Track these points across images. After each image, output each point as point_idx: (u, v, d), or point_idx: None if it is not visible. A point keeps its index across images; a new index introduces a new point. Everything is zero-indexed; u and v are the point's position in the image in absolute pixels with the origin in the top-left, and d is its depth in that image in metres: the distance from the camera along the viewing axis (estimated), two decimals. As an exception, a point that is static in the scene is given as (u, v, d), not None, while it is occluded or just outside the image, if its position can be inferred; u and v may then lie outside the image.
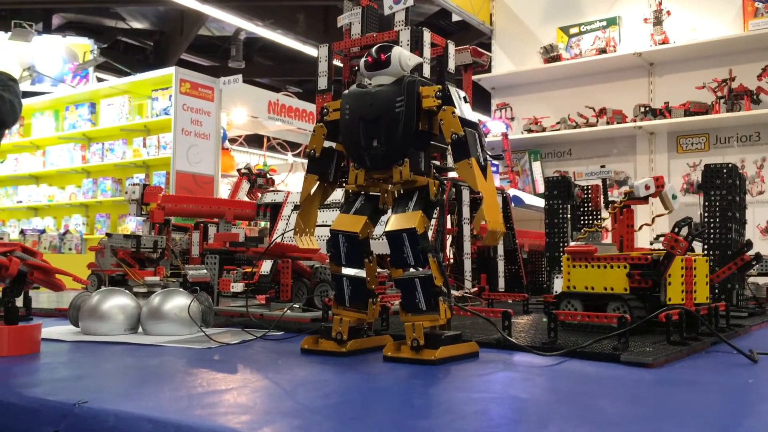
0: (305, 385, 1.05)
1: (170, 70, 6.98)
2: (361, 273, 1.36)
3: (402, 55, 1.33)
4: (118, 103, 7.45)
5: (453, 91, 1.31)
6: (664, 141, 5.45)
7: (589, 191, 2.53)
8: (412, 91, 1.30)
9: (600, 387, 1.06)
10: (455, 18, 6.19)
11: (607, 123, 5.42)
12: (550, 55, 5.62)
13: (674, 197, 1.67)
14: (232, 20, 10.15)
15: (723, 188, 2.24)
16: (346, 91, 1.39)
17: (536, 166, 5.74)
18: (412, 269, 1.28)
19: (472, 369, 1.19)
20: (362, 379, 1.10)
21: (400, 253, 1.28)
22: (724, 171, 2.26)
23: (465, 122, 1.29)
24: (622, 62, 5.41)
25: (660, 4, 5.25)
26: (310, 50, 10.81)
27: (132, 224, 7.43)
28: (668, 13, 5.21)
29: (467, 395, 0.98)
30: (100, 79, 8.51)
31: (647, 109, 5.30)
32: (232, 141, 8.65)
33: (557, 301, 1.77)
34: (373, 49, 1.35)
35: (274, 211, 3.15)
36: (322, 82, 2.97)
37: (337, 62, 3.01)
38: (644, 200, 1.95)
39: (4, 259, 1.22)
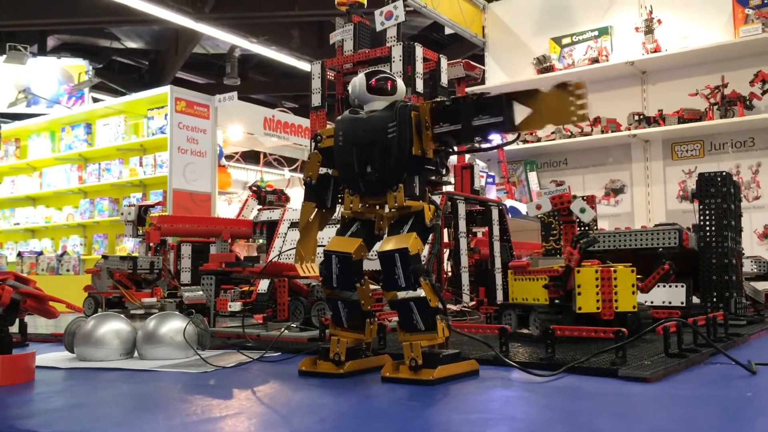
0: (301, 409, 1.04)
1: (165, 89, 7.00)
2: (354, 296, 1.35)
3: (401, 89, 1.35)
4: (114, 123, 7.45)
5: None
6: (659, 148, 5.46)
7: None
8: (404, 115, 1.30)
9: (598, 404, 1.05)
10: (448, 31, 6.22)
11: (602, 132, 5.44)
12: (543, 65, 5.64)
13: (582, 210, 1.69)
14: (227, 38, 10.19)
15: (718, 196, 2.25)
16: (339, 117, 1.39)
17: (532, 176, 5.75)
18: (403, 293, 1.27)
19: (469, 388, 1.19)
20: (359, 402, 1.09)
21: (392, 274, 1.27)
22: (718, 179, 2.27)
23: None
24: (615, 71, 5.43)
25: (651, 12, 5.28)
26: (305, 66, 10.84)
27: (130, 244, 7.42)
28: (659, 21, 5.24)
29: (464, 416, 0.97)
30: (95, 100, 8.52)
31: (641, 117, 5.32)
32: (229, 158, 8.66)
33: (498, 311, 1.90)
34: (377, 77, 1.35)
35: (270, 228, 3.15)
36: (316, 99, 2.98)
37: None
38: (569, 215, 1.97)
39: (-3, 289, 1.21)
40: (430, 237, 1.33)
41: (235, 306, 2.26)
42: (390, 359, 1.39)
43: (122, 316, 1.65)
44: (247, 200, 4.07)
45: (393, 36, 2.86)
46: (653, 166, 5.47)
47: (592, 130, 5.48)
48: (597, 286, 1.58)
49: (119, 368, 1.43)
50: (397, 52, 2.76)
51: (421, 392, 1.14)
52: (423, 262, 1.27)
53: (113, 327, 1.59)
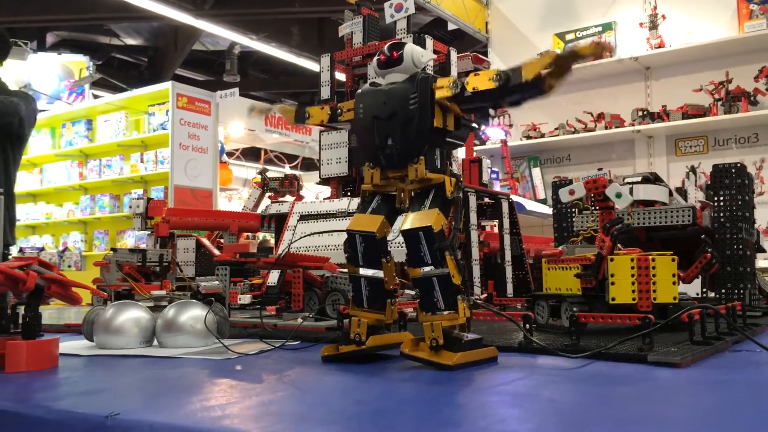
0: (334, 392, 1.03)
1: (167, 85, 6.98)
2: (379, 273, 1.34)
3: (414, 52, 1.32)
4: (115, 119, 7.44)
5: None
6: (662, 144, 5.46)
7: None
8: (425, 87, 1.29)
9: (632, 388, 1.04)
10: (451, 27, 6.22)
11: (606, 128, 5.44)
12: (547, 61, 5.62)
13: (618, 195, 1.64)
14: (227, 34, 10.16)
15: (732, 188, 2.24)
16: (360, 90, 1.38)
17: (536, 172, 5.75)
18: (428, 268, 1.27)
19: (496, 372, 1.18)
20: (391, 385, 1.08)
21: (417, 252, 1.26)
22: (733, 171, 2.26)
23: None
24: (619, 67, 5.43)
25: (655, 8, 5.28)
26: (305, 63, 10.83)
27: (131, 240, 7.41)
28: (663, 17, 5.24)
29: (500, 399, 0.97)
30: (95, 96, 8.50)
31: (645, 112, 5.32)
32: (230, 155, 8.64)
33: (530, 302, 1.85)
34: (386, 47, 1.35)
35: (279, 221, 3.14)
36: (325, 92, 2.97)
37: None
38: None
39: (22, 273, 1.20)
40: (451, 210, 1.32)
41: (245, 298, 2.25)
42: (411, 336, 1.37)
43: (141, 304, 1.64)
44: (262, 194, 4.02)
45: (403, 28, 2.85)
46: (657, 161, 5.47)
47: (595, 125, 5.48)
48: (633, 275, 1.54)
49: (142, 355, 1.42)
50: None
51: (448, 376, 1.13)
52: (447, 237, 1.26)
53: (133, 315, 1.58)
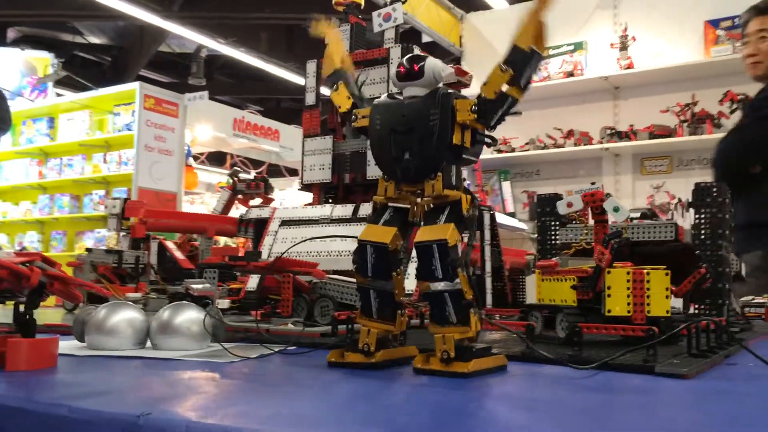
0: (357, 397, 1.02)
1: (134, 85, 6.88)
2: (388, 286, 1.33)
3: (436, 66, 1.32)
4: (79, 118, 7.28)
5: None
6: (629, 163, 5.59)
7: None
8: (447, 103, 1.28)
9: (650, 396, 1.06)
10: (425, 39, 6.26)
11: (575, 144, 5.54)
12: (519, 77, 5.71)
13: (616, 210, 1.68)
14: (194, 37, 10.05)
15: (713, 206, 2.30)
16: (376, 101, 1.37)
17: (506, 185, 5.82)
18: (441, 283, 1.26)
19: (510, 380, 1.19)
20: (413, 390, 1.07)
21: (429, 265, 1.26)
22: (714, 190, 2.32)
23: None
24: (589, 85, 5.55)
25: (625, 29, 5.41)
26: (273, 69, 10.77)
27: (90, 242, 7.25)
28: (633, 38, 5.37)
29: (519, 406, 0.97)
30: (58, 94, 8.31)
31: (613, 131, 5.44)
32: (194, 158, 8.53)
33: (524, 313, 1.85)
34: (405, 59, 1.34)
35: (258, 226, 3.10)
36: (310, 98, 2.95)
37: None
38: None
39: (26, 269, 1.16)
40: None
41: (224, 303, 2.21)
42: (417, 350, 1.38)
43: (134, 304, 1.60)
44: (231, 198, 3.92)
45: (391, 38, 2.86)
46: (623, 179, 5.59)
47: (565, 142, 5.58)
48: (628, 288, 1.57)
49: (141, 357, 1.38)
50: (395, 53, 2.76)
51: (464, 384, 1.13)
52: (460, 254, 1.26)
53: (126, 316, 1.53)
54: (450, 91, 1.31)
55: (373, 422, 0.83)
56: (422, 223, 1.32)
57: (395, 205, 1.36)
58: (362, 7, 3.03)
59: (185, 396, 0.98)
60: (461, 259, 1.26)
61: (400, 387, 1.12)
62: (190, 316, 1.55)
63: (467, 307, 1.24)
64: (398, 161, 1.31)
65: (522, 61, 1.24)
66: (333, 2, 3.00)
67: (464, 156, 1.35)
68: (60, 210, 7.34)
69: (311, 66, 2.97)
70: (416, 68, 1.31)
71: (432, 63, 1.32)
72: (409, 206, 1.35)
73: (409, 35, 9.25)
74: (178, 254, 2.98)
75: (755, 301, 2.80)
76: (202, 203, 9.31)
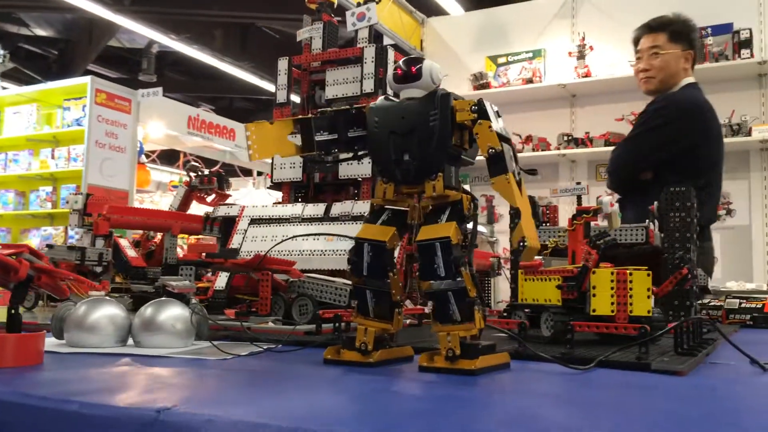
0: (365, 394, 1.00)
1: (85, 80, 6.68)
2: (385, 286, 1.32)
3: (433, 69, 1.32)
4: (26, 112, 7.04)
5: (488, 105, 1.30)
6: (584, 169, 5.70)
7: (548, 211, 2.62)
8: (446, 104, 1.28)
9: (656, 392, 1.07)
10: (387, 41, 6.27)
11: (533, 150, 5.63)
12: (480, 82, 5.78)
13: (620, 215, 1.75)
14: (146, 32, 9.84)
15: (682, 210, 2.36)
16: (374, 104, 1.36)
17: (465, 188, 5.86)
18: (443, 282, 1.25)
19: (517, 377, 1.19)
20: (427, 386, 1.06)
21: (431, 263, 1.25)
22: (683, 194, 2.38)
23: (500, 137, 1.29)
24: (547, 92, 5.65)
25: (583, 39, 5.52)
26: (226, 67, 10.63)
27: (36, 240, 7.01)
28: (591, 48, 5.49)
29: (538, 401, 0.97)
30: (3, 87, 8.01)
31: (570, 137, 5.54)
32: (146, 156, 8.34)
33: (508, 312, 1.88)
34: (402, 62, 1.33)
35: (225, 225, 3.04)
36: (281, 95, 2.92)
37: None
38: (594, 216, 2.06)
39: (14, 261, 1.11)
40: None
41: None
42: (412, 350, 1.37)
43: (115, 300, 1.55)
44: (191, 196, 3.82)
45: (365, 37, 2.85)
46: (578, 185, 5.69)
47: (523, 147, 5.66)
48: (612, 288, 1.59)
49: (128, 354, 1.34)
50: (369, 53, 2.75)
51: (473, 380, 1.13)
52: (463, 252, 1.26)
53: (107, 312, 1.48)
54: (449, 92, 1.32)
55: (398, 414, 0.82)
56: (422, 224, 1.31)
57: (393, 207, 1.36)
58: (335, 6, 3.01)
59: (196, 392, 0.95)
60: (464, 258, 1.26)
61: (407, 384, 1.11)
62: (173, 313, 1.51)
63: (471, 305, 1.24)
64: (398, 163, 1.31)
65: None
66: (306, 0, 2.98)
67: (462, 157, 1.35)
68: (5, 206, 7.08)
69: (283, 63, 2.94)
70: (413, 70, 1.31)
71: (429, 65, 1.32)
72: (407, 209, 1.35)
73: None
74: (130, 252, 2.88)
75: (712, 303, 2.89)
76: (151, 202, 9.11)
